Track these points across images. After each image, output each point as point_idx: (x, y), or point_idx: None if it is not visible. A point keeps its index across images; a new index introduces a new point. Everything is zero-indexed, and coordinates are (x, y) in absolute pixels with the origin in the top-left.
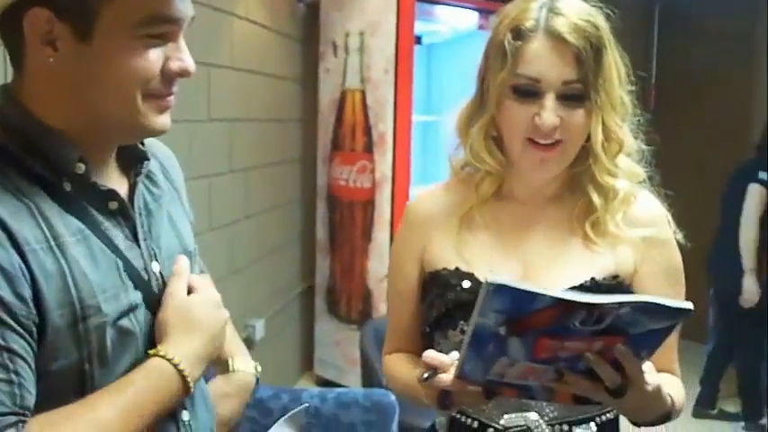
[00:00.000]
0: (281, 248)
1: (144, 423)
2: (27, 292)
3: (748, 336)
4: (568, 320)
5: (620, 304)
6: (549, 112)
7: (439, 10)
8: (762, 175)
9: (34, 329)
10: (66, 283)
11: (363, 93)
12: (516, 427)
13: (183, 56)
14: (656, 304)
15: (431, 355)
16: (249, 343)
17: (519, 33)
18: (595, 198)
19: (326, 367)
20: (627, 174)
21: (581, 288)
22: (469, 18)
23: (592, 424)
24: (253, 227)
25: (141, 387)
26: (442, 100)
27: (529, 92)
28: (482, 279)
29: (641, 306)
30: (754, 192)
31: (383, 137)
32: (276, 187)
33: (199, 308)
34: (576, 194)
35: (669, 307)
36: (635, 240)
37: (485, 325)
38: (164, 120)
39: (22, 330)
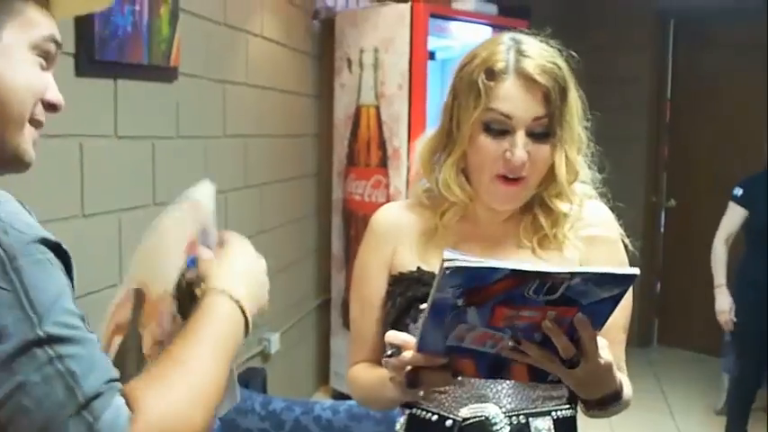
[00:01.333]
0: (297, 263)
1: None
2: None
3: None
4: (523, 290)
5: (571, 275)
6: (520, 148)
7: (452, 26)
8: (736, 190)
9: None
10: None
11: (378, 108)
12: (475, 418)
13: (55, 87)
14: (603, 273)
15: (393, 333)
16: (265, 356)
17: (492, 73)
18: (542, 219)
19: (342, 381)
20: (579, 196)
21: None
22: (482, 33)
23: (548, 418)
24: (268, 241)
25: (221, 331)
26: None
27: (500, 129)
28: None
29: (590, 276)
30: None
31: (397, 152)
32: (291, 202)
33: (243, 256)
34: (525, 213)
35: (617, 274)
36: (582, 239)
37: (443, 298)
38: (33, 151)
39: None
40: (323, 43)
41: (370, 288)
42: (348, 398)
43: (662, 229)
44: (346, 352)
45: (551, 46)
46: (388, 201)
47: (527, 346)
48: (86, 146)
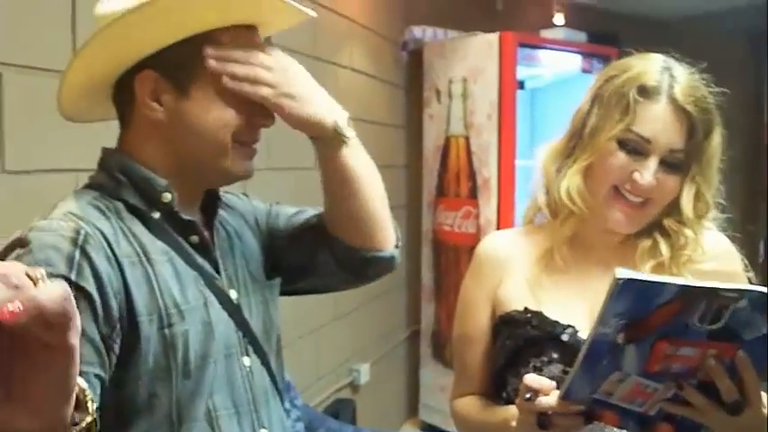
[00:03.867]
0: (387, 294)
1: None
2: (116, 301)
3: None
4: (687, 316)
5: (740, 292)
6: (650, 174)
7: (541, 54)
8: None
9: (117, 339)
10: (152, 291)
11: (467, 138)
12: None
13: (264, 110)
14: None
15: (532, 377)
16: (354, 388)
17: (645, 90)
18: (662, 245)
19: (432, 413)
20: (700, 229)
21: None
22: (572, 62)
23: None
24: None
25: None
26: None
27: (635, 149)
28: (550, 317)
29: (758, 297)
30: None
31: (487, 182)
32: None
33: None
34: (642, 237)
35: None
36: (701, 274)
37: (603, 335)
38: (249, 165)
39: (96, 341)
40: (411, 74)
41: (475, 321)
42: (438, 430)
43: (760, 260)
44: (436, 383)
45: (702, 78)
46: (477, 231)
47: (689, 392)
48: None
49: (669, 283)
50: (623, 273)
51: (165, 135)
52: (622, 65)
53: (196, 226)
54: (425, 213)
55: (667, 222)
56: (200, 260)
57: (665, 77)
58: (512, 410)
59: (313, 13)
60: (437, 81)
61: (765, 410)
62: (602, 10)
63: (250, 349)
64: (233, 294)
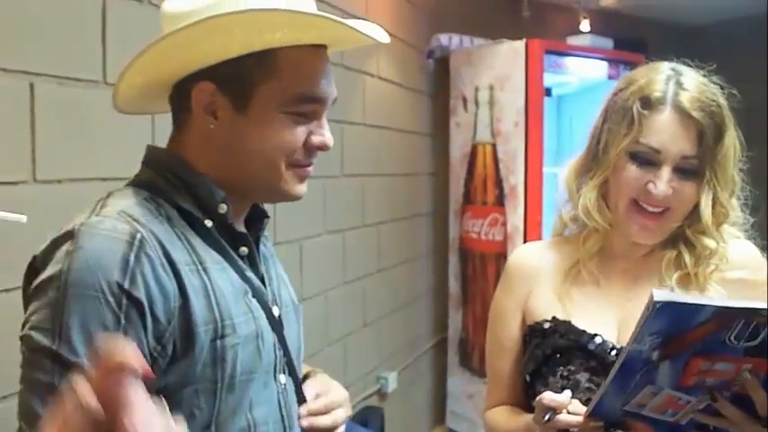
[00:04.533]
0: (414, 302)
1: None
2: (169, 311)
3: None
4: (724, 334)
5: None
6: (664, 183)
7: (568, 61)
8: None
9: (168, 348)
10: (209, 301)
11: (494, 146)
12: None
13: (324, 132)
14: None
15: (548, 396)
16: (382, 395)
17: (648, 102)
18: (686, 256)
19: (459, 420)
20: (724, 237)
21: None
22: (599, 68)
23: None
24: (385, 280)
25: None
26: (572, 151)
27: (647, 160)
28: (579, 327)
29: None
30: None
31: (514, 189)
32: (408, 241)
33: None
34: (667, 249)
35: None
36: (728, 282)
37: (638, 352)
38: (301, 187)
39: (145, 352)
40: (438, 82)
41: (506, 331)
42: None
43: None
44: (463, 391)
45: (713, 82)
46: (504, 239)
47: (722, 404)
48: None
49: (706, 305)
50: (661, 295)
51: (218, 147)
52: (629, 78)
53: (246, 238)
54: (452, 221)
55: (689, 232)
56: (249, 273)
57: (671, 86)
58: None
59: (384, 39)
60: (463, 89)
61: None
62: (629, 16)
63: (286, 367)
64: (275, 311)
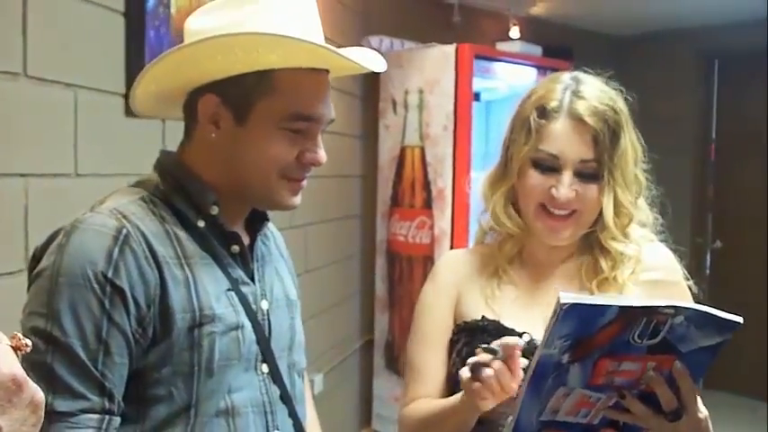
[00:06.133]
0: (341, 303)
1: None
2: (149, 298)
3: None
4: (628, 334)
5: (676, 308)
6: (566, 188)
7: (497, 67)
8: None
9: (148, 332)
10: (189, 292)
11: (422, 149)
12: None
13: (317, 149)
14: (707, 313)
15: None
16: None
17: (544, 112)
18: (602, 262)
19: (385, 422)
20: (637, 240)
21: None
22: (527, 75)
23: None
24: (312, 281)
25: None
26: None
27: (548, 166)
28: (507, 326)
29: (693, 314)
30: None
31: (442, 193)
32: (336, 242)
33: None
34: (585, 255)
35: (719, 318)
36: (643, 284)
37: (549, 356)
38: (294, 199)
39: (128, 333)
40: (368, 85)
41: (433, 326)
42: None
43: (707, 271)
44: (389, 394)
45: (612, 87)
46: (432, 242)
47: (631, 402)
48: None
49: (611, 305)
50: (567, 297)
51: (219, 156)
52: (531, 90)
53: (238, 237)
54: (380, 223)
55: (601, 237)
56: (237, 269)
57: (567, 95)
58: (453, 398)
59: (378, 68)
60: (393, 92)
61: (701, 415)
62: (558, 24)
63: (268, 357)
64: (264, 305)
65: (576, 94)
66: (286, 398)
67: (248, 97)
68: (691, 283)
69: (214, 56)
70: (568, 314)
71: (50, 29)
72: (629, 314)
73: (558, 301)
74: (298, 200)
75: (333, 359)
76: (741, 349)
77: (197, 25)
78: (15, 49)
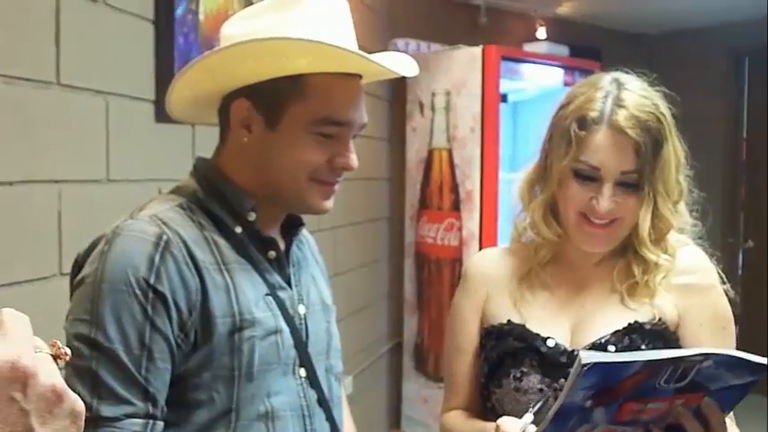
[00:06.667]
0: (369, 306)
1: None
2: (191, 303)
3: None
4: (655, 380)
5: (705, 356)
6: (606, 199)
7: (524, 68)
8: None
9: (190, 337)
10: (229, 297)
11: (450, 151)
12: None
13: (348, 154)
14: (737, 358)
15: (507, 424)
16: None
17: (584, 123)
18: (634, 267)
19: (414, 425)
20: (672, 245)
21: (626, 330)
22: (554, 75)
23: None
24: (341, 284)
25: None
26: (527, 157)
27: (589, 176)
28: (533, 330)
29: (723, 359)
30: None
31: (470, 195)
32: (364, 245)
33: None
34: (618, 257)
35: (750, 362)
36: (676, 288)
37: (572, 402)
38: (326, 203)
39: (170, 338)
40: (395, 87)
41: (463, 335)
42: None
43: (740, 271)
44: (418, 396)
45: (657, 90)
46: (460, 244)
47: None
48: (165, 189)
49: (634, 361)
50: (588, 357)
51: (250, 160)
52: (571, 93)
53: (275, 243)
54: (408, 226)
55: (636, 242)
56: (274, 274)
57: (608, 104)
58: (489, 426)
59: (410, 72)
60: (420, 94)
61: None
62: (585, 24)
63: (305, 361)
64: (302, 309)
65: (617, 102)
66: (323, 402)
67: (279, 102)
68: (727, 287)
69: (245, 61)
70: (589, 372)
71: (82, 38)
72: (654, 365)
73: (579, 362)
74: (330, 204)
75: (362, 362)
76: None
77: (231, 31)
78: (48, 58)
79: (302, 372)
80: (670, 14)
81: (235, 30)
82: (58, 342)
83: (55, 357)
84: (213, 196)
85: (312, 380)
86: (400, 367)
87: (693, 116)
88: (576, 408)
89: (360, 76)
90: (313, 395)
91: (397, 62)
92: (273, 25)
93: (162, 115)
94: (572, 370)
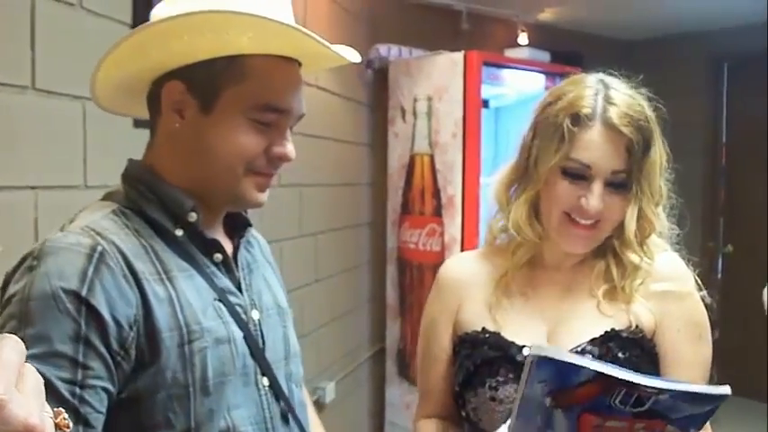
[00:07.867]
0: (352, 311)
1: None
2: (130, 318)
3: None
4: (608, 398)
5: (660, 390)
6: (596, 198)
7: (506, 73)
8: None
9: (131, 354)
10: (174, 308)
11: (432, 157)
12: None
13: (286, 143)
14: (692, 393)
15: None
16: (319, 406)
17: (577, 119)
18: (613, 269)
19: (398, 430)
20: (651, 250)
21: (603, 338)
22: (536, 81)
23: None
24: (323, 290)
25: None
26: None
27: (578, 175)
28: (508, 338)
29: (680, 394)
30: None
31: (452, 200)
32: (346, 251)
33: None
34: (598, 259)
35: (707, 394)
36: (654, 295)
37: (531, 395)
38: (261, 195)
39: (106, 356)
40: (377, 93)
41: (437, 342)
42: None
43: (719, 275)
44: (401, 401)
45: (641, 94)
46: (442, 249)
47: None
48: None
49: (584, 367)
50: (535, 350)
51: (182, 150)
52: (557, 91)
53: (219, 245)
54: (390, 231)
55: (617, 244)
56: (222, 279)
57: (599, 101)
58: None
59: (354, 59)
60: (402, 99)
61: None
62: (566, 30)
63: (266, 370)
64: (255, 315)
65: (608, 100)
66: (289, 410)
67: (216, 84)
68: (704, 293)
69: (181, 36)
70: (542, 363)
71: (58, 42)
72: (605, 380)
73: (529, 353)
74: (264, 197)
75: (344, 367)
76: (751, 353)
77: (159, 11)
78: (23, 62)
79: (265, 381)
80: (651, 20)
81: (167, 11)
82: (64, 413)
83: (57, 427)
84: (148, 199)
85: (276, 389)
86: (383, 373)
87: (674, 121)
88: (537, 403)
89: (299, 64)
90: (277, 405)
91: (340, 49)
92: (211, 4)
93: (140, 121)
94: (526, 360)
